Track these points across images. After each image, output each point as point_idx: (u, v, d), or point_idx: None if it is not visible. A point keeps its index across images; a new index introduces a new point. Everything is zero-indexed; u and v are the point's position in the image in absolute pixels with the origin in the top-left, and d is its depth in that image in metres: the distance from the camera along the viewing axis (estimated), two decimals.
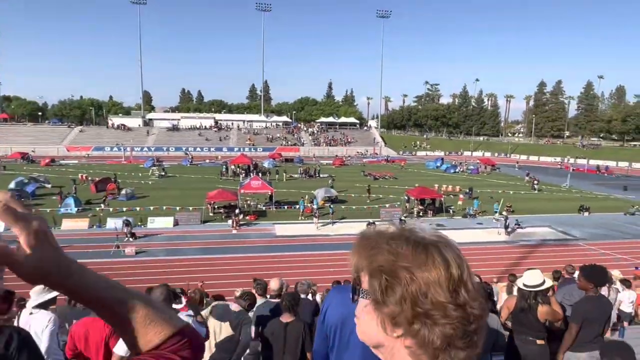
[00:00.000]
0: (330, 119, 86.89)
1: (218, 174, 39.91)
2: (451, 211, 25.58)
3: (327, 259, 16.64)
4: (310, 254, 17.78)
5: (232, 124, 77.22)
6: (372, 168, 48.02)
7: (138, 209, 24.74)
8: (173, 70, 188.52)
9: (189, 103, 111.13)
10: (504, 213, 23.35)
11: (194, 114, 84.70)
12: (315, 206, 24.51)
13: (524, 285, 4.21)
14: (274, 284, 5.16)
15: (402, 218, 22.20)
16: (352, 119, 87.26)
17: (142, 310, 0.70)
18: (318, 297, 8.11)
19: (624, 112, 71.35)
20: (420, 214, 25.24)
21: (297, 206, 25.60)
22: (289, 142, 69.55)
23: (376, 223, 20.98)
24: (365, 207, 26.31)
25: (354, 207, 26.58)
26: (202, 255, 17.62)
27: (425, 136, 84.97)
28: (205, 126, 74.38)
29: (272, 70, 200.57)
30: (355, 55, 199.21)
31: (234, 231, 21.22)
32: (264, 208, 25.98)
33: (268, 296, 5.27)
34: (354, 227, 21.32)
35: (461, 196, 28.63)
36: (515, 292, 8.35)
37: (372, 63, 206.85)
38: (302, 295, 6.09)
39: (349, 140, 73.04)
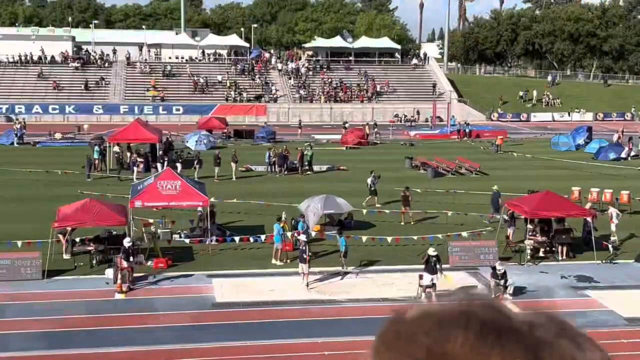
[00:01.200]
0: (338, 42, 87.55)
1: (83, 166, 39.85)
2: (610, 248, 25.69)
3: (331, 357, 16.65)
4: (294, 345, 17.81)
5: (115, 51, 77.76)
6: (429, 150, 48.35)
7: None
8: None
9: (13, 5, 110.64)
10: None
11: (27, 30, 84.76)
12: (303, 237, 24.46)
13: None
14: None
15: (497, 266, 22.15)
16: (385, 42, 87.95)
17: None
18: None
19: None
20: (541, 253, 25.32)
21: (264, 237, 25.74)
22: (244, 94, 69.94)
23: (442, 269, 21.01)
24: (415, 238, 26.36)
25: (389, 238, 26.57)
26: (48, 350, 17.56)
27: (549, 78, 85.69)
28: (53, 57, 74.80)
29: None
30: None
31: (120, 296, 21.31)
32: (187, 241, 26.16)
33: None
34: (396, 284, 21.21)
35: (613, 215, 28.32)
36: None
37: None
38: None
39: (379, 88, 73.52)
